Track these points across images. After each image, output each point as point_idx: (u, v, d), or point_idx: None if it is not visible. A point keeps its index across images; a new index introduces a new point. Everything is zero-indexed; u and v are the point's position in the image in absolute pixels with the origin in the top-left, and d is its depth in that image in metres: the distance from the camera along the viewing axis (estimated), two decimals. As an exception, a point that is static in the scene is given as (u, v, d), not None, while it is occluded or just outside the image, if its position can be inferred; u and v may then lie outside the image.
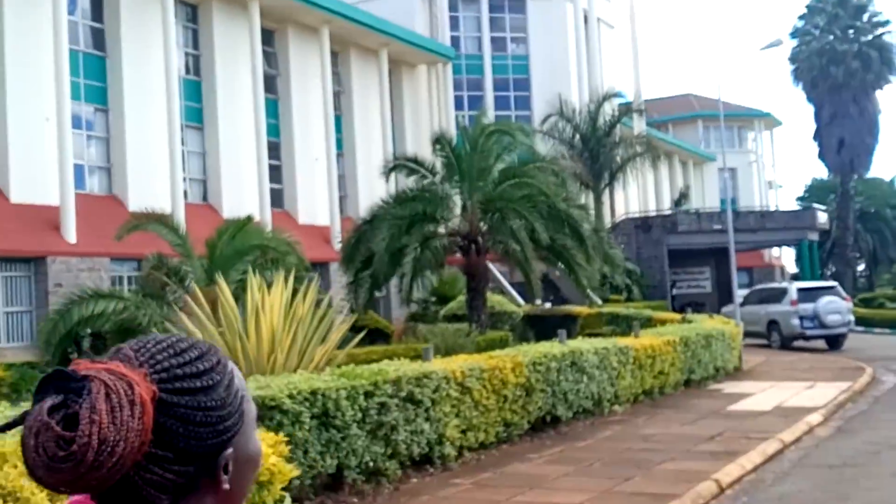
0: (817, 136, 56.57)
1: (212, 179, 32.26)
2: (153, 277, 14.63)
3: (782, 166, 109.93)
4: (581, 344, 13.12)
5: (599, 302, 36.68)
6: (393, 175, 27.18)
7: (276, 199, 34.72)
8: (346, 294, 24.90)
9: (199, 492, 1.13)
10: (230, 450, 1.14)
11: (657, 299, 39.81)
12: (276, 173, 34.78)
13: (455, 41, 45.00)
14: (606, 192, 44.36)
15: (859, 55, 53.09)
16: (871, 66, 53.16)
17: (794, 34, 56.02)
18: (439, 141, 23.25)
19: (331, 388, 7.80)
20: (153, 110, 28.67)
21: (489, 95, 44.53)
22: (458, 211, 22.96)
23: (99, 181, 28.81)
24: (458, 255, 23.18)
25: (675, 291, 42.24)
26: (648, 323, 22.56)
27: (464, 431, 9.86)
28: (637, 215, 45.42)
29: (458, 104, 42.68)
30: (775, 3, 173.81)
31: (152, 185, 28.47)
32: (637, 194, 54.26)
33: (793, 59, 56.00)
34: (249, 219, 17.65)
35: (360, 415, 8.05)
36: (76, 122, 27.38)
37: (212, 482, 1.14)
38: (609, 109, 41.90)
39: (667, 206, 56.36)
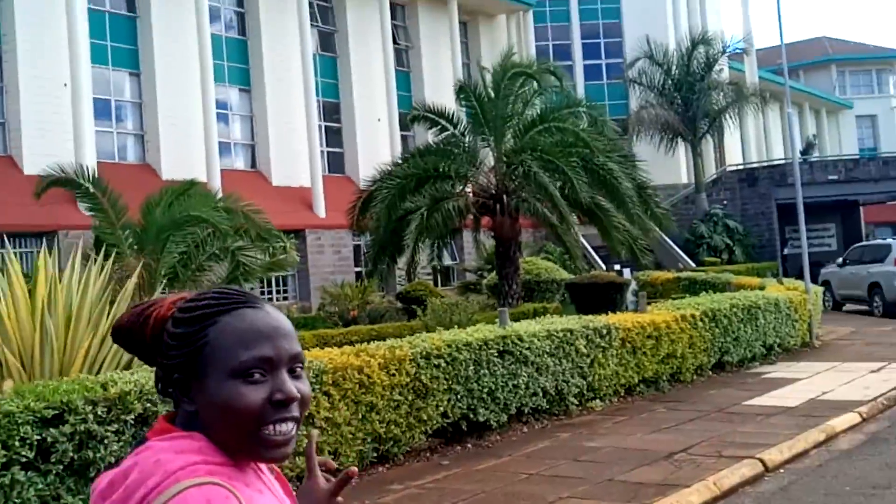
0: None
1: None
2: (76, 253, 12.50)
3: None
4: (526, 326, 10.21)
5: (692, 265, 33.05)
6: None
7: (337, 163, 32.90)
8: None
9: (186, 401, 1.40)
10: (178, 376, 1.40)
11: (766, 260, 35.61)
12: (337, 136, 33.01)
13: (539, -13, 41.59)
14: (709, 142, 40.26)
15: None
16: None
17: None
18: (463, 90, 20.42)
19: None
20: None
21: (576, 44, 41.08)
22: (487, 168, 20.15)
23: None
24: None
25: (787, 251, 37.65)
26: (728, 289, 19.31)
27: (288, 455, 7.23)
28: (741, 167, 40.88)
29: (543, 55, 39.28)
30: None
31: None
32: (754, 145, 49.54)
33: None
34: (192, 183, 15.38)
35: (30, 452, 5.47)
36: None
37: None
38: (707, 53, 37.67)
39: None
